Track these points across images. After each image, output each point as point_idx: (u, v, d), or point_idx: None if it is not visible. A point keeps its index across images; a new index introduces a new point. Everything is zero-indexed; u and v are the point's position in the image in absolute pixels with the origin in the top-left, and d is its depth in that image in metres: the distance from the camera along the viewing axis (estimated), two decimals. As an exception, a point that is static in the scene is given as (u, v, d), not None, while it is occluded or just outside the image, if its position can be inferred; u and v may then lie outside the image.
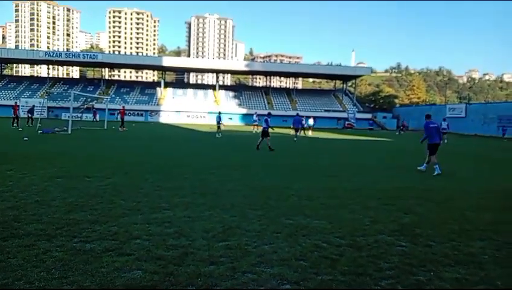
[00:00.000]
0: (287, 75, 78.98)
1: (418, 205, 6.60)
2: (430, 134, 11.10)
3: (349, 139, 28.94)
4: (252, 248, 4.14)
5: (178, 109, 63.01)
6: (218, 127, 26.14)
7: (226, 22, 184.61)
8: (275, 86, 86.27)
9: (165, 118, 61.55)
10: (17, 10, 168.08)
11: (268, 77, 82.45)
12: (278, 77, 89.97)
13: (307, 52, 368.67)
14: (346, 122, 61.98)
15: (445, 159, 15.89)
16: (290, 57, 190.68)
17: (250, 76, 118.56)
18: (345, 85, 77.59)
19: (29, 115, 30.54)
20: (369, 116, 68.38)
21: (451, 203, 6.97)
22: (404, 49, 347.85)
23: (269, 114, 17.22)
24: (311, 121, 35.03)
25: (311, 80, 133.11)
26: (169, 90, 69.59)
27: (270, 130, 16.29)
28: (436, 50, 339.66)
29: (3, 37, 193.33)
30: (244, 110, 63.24)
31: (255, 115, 34.88)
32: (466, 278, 3.61)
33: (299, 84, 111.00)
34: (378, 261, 3.91)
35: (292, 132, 25.76)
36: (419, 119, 59.75)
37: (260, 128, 32.95)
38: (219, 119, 26.31)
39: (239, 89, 75.63)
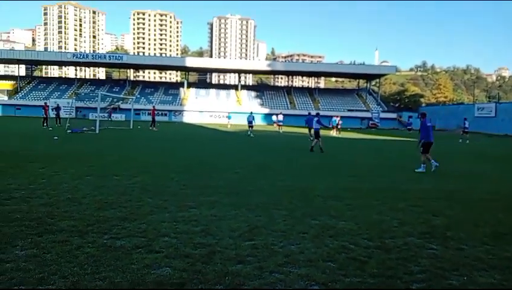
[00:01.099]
0: (309, 74, 78.47)
1: (448, 207, 6.42)
2: (427, 133, 10.87)
3: (373, 139, 28.46)
4: (279, 248, 4.13)
5: (201, 108, 63.68)
6: (250, 127, 27.06)
7: (247, 22, 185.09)
8: (296, 86, 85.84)
9: (188, 117, 62.35)
10: (45, 13, 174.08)
11: (290, 77, 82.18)
12: (300, 77, 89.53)
13: (329, 51, 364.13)
14: (370, 122, 60.95)
15: (474, 160, 15.41)
16: (312, 57, 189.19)
17: (272, 76, 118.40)
18: (368, 84, 76.33)
19: (56, 113, 31.54)
20: (393, 115, 67.05)
21: (482, 205, 6.74)
22: (429, 48, 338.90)
23: (318, 114, 16.72)
24: (337, 120, 34.75)
25: (333, 79, 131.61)
26: (192, 90, 70.42)
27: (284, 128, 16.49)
28: (463, 48, 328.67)
29: (33, 40, 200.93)
30: (266, 110, 63.22)
31: (279, 116, 34.80)
32: (502, 284, 3.48)
33: (321, 83, 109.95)
34: (408, 264, 3.82)
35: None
36: (446, 118, 58.15)
37: (282, 128, 33.22)
38: (252, 118, 27.31)
39: (261, 89, 75.67)
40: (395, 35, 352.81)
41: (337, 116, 34.88)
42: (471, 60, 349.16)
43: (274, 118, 34.83)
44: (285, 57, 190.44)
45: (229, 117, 40.46)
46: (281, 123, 34.07)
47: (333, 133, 32.67)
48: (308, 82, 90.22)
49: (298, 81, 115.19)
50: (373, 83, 78.62)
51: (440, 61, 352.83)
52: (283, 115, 36.06)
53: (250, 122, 27.24)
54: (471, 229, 5.18)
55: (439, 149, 20.27)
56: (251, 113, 28.84)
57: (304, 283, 3.33)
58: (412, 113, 71.71)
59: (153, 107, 33.56)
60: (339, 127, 33.47)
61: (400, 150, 19.75)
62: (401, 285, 3.36)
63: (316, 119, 16.19)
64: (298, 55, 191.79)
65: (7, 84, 67.90)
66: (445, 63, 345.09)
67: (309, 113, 25.83)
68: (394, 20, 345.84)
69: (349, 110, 64.22)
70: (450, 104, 79.39)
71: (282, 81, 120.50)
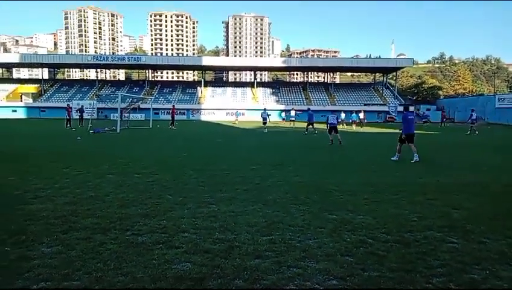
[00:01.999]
0: (325, 70, 77.69)
1: (467, 200, 6.28)
2: (408, 125, 11.59)
3: (390, 133, 27.95)
4: (296, 243, 4.16)
5: (217, 106, 64.09)
6: (264, 123, 27.60)
7: (262, 19, 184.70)
8: (312, 81, 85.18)
9: (205, 116, 62.83)
10: (66, 18, 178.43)
11: (305, 73, 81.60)
12: (315, 72, 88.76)
13: (344, 46, 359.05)
14: (387, 116, 59.96)
15: (492, 153, 14.96)
16: (327, 52, 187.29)
17: (288, 72, 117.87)
18: (385, 78, 75.02)
19: (80, 115, 32.56)
20: (411, 109, 65.72)
21: (503, 198, 6.58)
22: (447, 39, 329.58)
23: (334, 112, 18.80)
24: (361, 115, 35.58)
25: (349, 74, 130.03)
26: (209, 89, 70.88)
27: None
28: (482, 38, 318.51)
29: (55, 44, 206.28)
30: (282, 106, 63.08)
31: (292, 111, 35.41)
32: (526, 278, 3.40)
33: (337, 78, 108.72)
34: (428, 258, 3.78)
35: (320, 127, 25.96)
36: (465, 110, 56.65)
37: (293, 124, 33.55)
38: (266, 115, 27.84)
39: (277, 86, 75.46)
40: (411, 27, 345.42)
41: (360, 112, 36.46)
42: (491, 50, 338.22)
43: (284, 114, 35.52)
44: (300, 53, 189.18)
45: (237, 114, 47.26)
46: (292, 118, 34.73)
47: (354, 127, 33.49)
48: (323, 77, 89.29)
49: (314, 77, 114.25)
50: (390, 76, 77.23)
51: (458, 53, 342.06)
52: (295, 110, 36.92)
53: (264, 118, 27.65)
54: (493, 222, 5.07)
55: (453, 140, 19.81)
56: (264, 110, 29.06)
57: (322, 277, 3.34)
58: (430, 106, 70.22)
59: (173, 106, 34.09)
60: (363, 122, 34.89)
61: (418, 143, 19.35)
62: (421, 279, 3.33)
63: (334, 115, 17.76)
64: (313, 50, 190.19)
65: (32, 88, 70.00)
66: (464, 54, 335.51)
67: (308, 109, 26.59)
68: (410, 11, 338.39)
69: (365, 104, 63.32)
70: (470, 96, 77.20)
71: (297, 77, 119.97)
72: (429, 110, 67.59)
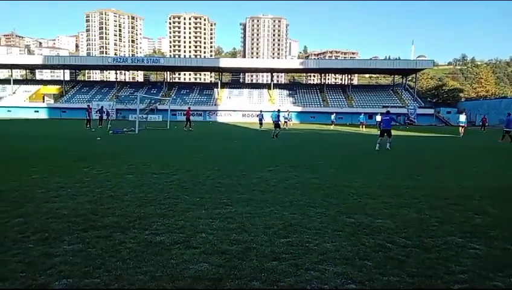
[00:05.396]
0: (342, 71, 77.06)
1: (491, 206, 6.10)
2: (385, 124, 16.31)
3: (410, 136, 27.49)
4: (314, 246, 4.12)
5: (234, 108, 64.43)
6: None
7: (279, 21, 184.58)
8: (329, 83, 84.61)
9: (222, 117, 63.26)
10: (87, 20, 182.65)
11: (322, 74, 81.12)
12: (332, 74, 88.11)
13: (362, 47, 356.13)
14: (406, 119, 58.62)
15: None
16: (345, 53, 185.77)
17: (305, 74, 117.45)
18: (404, 79, 73.88)
19: (100, 115, 33.29)
20: (431, 111, 64.46)
21: (531, 205, 6.35)
22: (469, 40, 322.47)
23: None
24: (378, 118, 35.46)
25: (367, 75, 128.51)
26: (226, 90, 71.30)
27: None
28: (506, 38, 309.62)
29: (76, 46, 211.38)
30: (299, 108, 62.89)
31: (286, 113, 39.40)
32: (553, 287, 3.28)
33: (355, 80, 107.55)
34: (449, 264, 3.70)
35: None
36: (487, 114, 55.21)
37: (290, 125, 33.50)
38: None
39: (293, 87, 75.31)
40: (432, 28, 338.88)
41: (378, 114, 36.64)
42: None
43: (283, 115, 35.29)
44: (317, 55, 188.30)
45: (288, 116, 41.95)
46: (286, 120, 38.01)
47: (362, 128, 35.93)
48: (341, 79, 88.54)
49: (331, 78, 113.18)
50: (409, 78, 75.97)
51: (481, 54, 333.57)
52: (290, 112, 42.20)
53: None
54: (518, 229, 4.91)
55: (477, 145, 19.29)
56: (278, 111, 27.34)
57: (340, 281, 3.31)
58: (451, 108, 68.68)
59: (188, 108, 34.35)
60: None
61: (439, 147, 18.97)
62: (442, 285, 3.26)
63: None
64: (331, 52, 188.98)
65: (53, 89, 71.96)
66: (487, 55, 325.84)
67: (278, 110, 24.42)
68: (431, 12, 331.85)
69: (384, 107, 62.43)
70: (492, 99, 75.12)
71: (314, 79, 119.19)
72: (449, 112, 66.20)
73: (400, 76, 74.26)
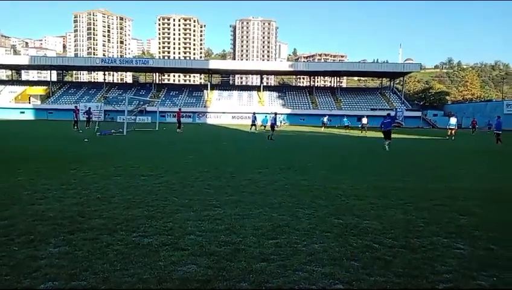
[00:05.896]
0: (331, 74, 77.71)
1: (476, 206, 6.22)
2: (385, 126, 17.33)
3: (399, 138, 27.81)
4: (302, 247, 4.15)
5: (224, 110, 64.38)
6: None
7: (269, 23, 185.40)
8: (319, 85, 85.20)
9: (211, 119, 63.15)
10: (75, 21, 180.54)
11: (312, 77, 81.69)
12: (322, 77, 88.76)
13: (351, 50, 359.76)
14: (395, 121, 59.35)
15: (504, 160, 14.83)
16: (334, 56, 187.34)
17: (294, 76, 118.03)
18: (392, 83, 74.84)
19: (87, 117, 32.79)
20: (418, 114, 65.40)
21: (514, 206, 6.49)
22: (455, 44, 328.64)
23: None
24: (364, 120, 35.90)
25: (356, 78, 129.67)
26: (216, 92, 71.22)
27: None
28: (491, 43, 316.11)
29: (64, 46, 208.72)
30: (288, 111, 63.12)
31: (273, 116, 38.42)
32: (534, 285, 3.36)
33: (344, 82, 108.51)
34: (434, 264, 3.76)
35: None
36: (473, 116, 56.22)
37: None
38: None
39: (283, 90, 75.61)
40: (419, 32, 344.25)
41: (363, 117, 37.60)
42: (500, 55, 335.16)
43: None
44: (306, 57, 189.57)
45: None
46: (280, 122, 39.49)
47: (347, 131, 36.60)
48: (330, 82, 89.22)
49: (320, 81, 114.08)
50: (397, 81, 76.99)
51: (466, 58, 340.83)
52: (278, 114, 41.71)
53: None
54: (501, 229, 5.01)
55: (465, 147, 19.64)
56: (275, 114, 27.71)
57: (328, 281, 3.33)
58: (437, 111, 69.82)
59: (179, 109, 34.17)
60: (366, 126, 35.17)
61: (427, 149, 19.25)
62: (427, 285, 3.31)
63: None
64: (320, 55, 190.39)
65: (40, 89, 70.90)
66: (472, 59, 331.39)
67: (253, 112, 24.71)
68: (418, 16, 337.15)
69: (372, 110, 63.16)
70: (478, 101, 76.64)
71: (304, 81, 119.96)
72: (436, 115, 67.27)
73: (388, 79, 75.20)
